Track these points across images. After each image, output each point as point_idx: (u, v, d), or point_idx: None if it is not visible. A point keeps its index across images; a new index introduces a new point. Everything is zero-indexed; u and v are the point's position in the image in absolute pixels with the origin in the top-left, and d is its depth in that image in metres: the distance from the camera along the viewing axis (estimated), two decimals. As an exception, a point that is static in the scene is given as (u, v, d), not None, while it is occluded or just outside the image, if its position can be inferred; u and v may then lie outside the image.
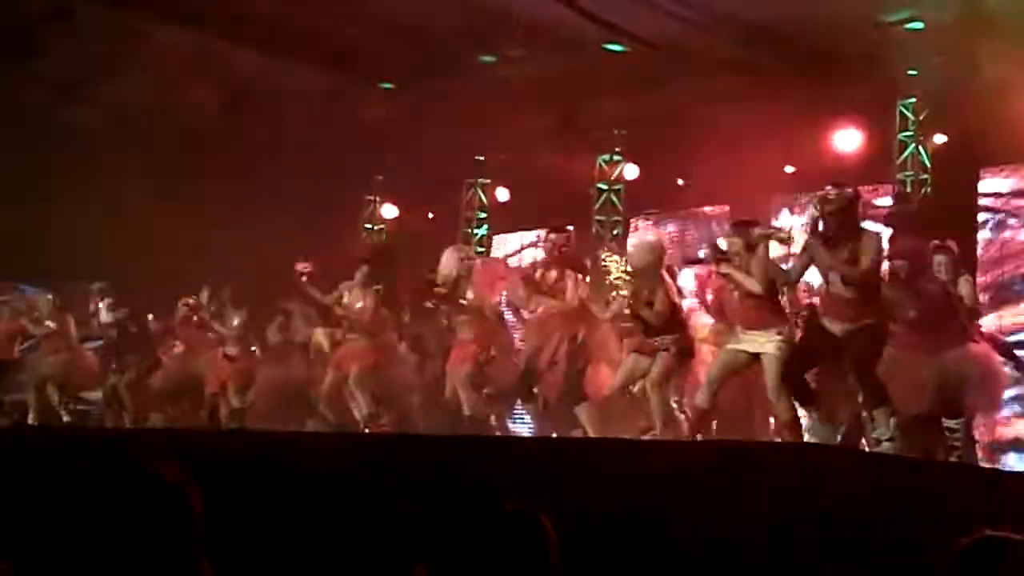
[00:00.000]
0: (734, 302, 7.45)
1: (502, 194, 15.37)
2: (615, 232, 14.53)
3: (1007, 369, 7.98)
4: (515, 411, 10.25)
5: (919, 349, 7.33)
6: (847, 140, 12.38)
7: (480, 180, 15.90)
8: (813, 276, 7.92)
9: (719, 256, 7.52)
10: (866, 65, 11.95)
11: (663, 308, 7.84)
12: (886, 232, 10.50)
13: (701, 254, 9.17)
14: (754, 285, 7.10)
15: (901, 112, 12.33)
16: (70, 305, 11.73)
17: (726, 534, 4.67)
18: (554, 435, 8.95)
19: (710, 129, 12.71)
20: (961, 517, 4.34)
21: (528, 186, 14.90)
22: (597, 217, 14.66)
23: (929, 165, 12.19)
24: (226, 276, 11.36)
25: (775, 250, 7.73)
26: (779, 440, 7.91)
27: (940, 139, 12.07)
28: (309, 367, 10.54)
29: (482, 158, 15.59)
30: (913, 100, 12.26)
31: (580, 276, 8.58)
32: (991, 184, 11.87)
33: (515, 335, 9.85)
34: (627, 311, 8.27)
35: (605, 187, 14.73)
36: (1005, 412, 10.27)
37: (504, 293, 9.57)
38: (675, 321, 8.01)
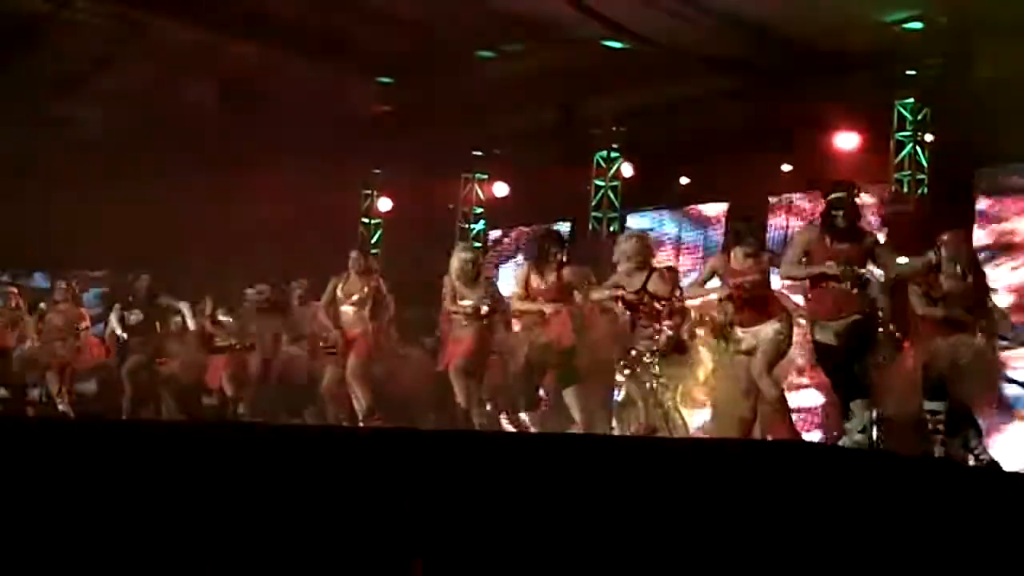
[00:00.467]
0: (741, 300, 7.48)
1: (499, 189, 15.38)
2: (612, 229, 14.54)
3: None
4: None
5: (916, 344, 7.33)
6: (845, 139, 12.41)
7: (477, 175, 15.92)
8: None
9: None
10: (864, 64, 11.97)
11: (661, 290, 7.89)
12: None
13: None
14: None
15: (899, 112, 12.34)
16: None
17: (718, 532, 4.68)
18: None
19: (708, 127, 12.74)
20: (939, 514, 4.37)
21: (526, 182, 14.93)
22: (594, 214, 14.67)
23: (927, 165, 12.21)
24: (224, 268, 11.35)
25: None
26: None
27: (937, 139, 12.09)
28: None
29: (480, 153, 15.60)
30: (911, 100, 12.28)
31: (579, 273, 8.55)
32: (988, 184, 11.90)
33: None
34: (619, 295, 8.16)
35: (602, 184, 14.74)
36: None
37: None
38: (669, 311, 8.01)
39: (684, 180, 13.84)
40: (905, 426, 7.69)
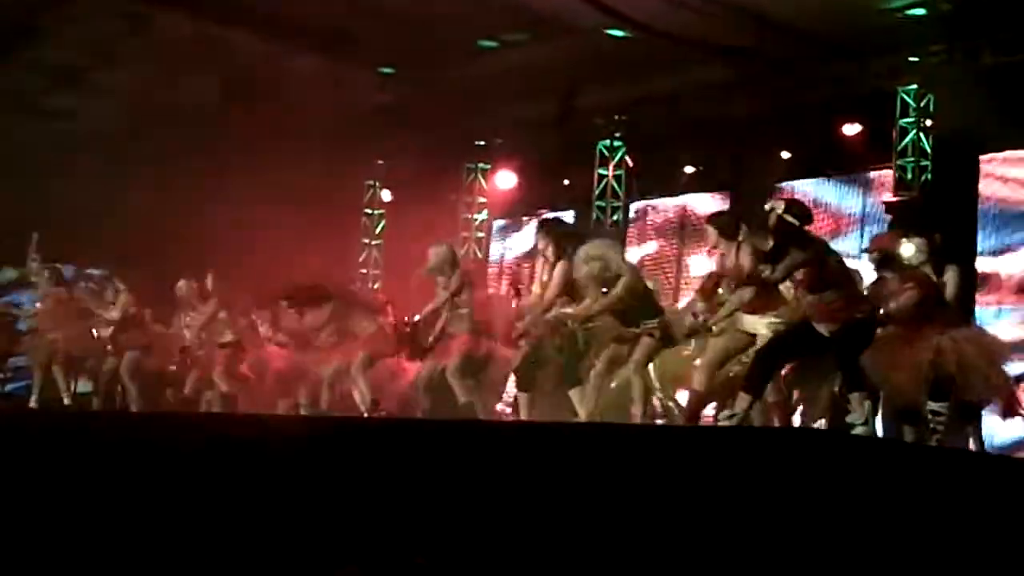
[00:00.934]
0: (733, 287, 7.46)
1: (501, 179, 15.38)
2: (615, 218, 14.53)
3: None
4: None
5: (913, 337, 7.31)
6: (848, 126, 12.38)
7: (480, 165, 15.91)
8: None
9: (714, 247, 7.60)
10: (867, 51, 11.94)
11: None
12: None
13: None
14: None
15: (902, 98, 12.31)
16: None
17: (715, 518, 4.68)
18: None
19: (710, 115, 12.72)
20: (942, 501, 4.37)
21: (528, 172, 14.92)
22: (597, 203, 14.65)
23: (930, 152, 12.17)
24: (224, 262, 11.31)
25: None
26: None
27: (940, 126, 12.06)
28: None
29: (482, 143, 15.59)
30: (914, 87, 12.24)
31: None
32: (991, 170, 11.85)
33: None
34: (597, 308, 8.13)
35: (605, 173, 14.72)
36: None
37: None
38: (655, 306, 8.02)
39: (689, 169, 13.80)
40: (898, 420, 7.64)
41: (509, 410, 10.20)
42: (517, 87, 13.08)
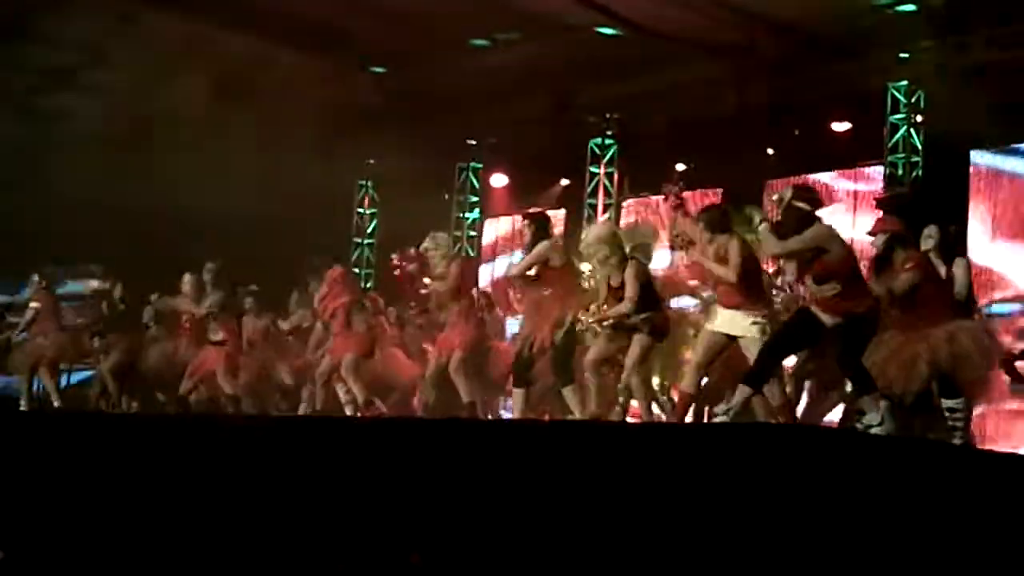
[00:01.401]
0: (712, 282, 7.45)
1: (494, 178, 15.38)
2: (608, 216, 14.54)
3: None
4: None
5: (910, 329, 7.28)
6: (839, 123, 12.41)
7: (472, 164, 15.91)
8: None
9: (684, 243, 7.53)
10: (858, 48, 11.97)
11: (633, 294, 7.82)
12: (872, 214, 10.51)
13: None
14: (726, 273, 7.13)
15: (892, 95, 12.34)
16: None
17: (715, 517, 4.68)
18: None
19: (702, 113, 12.73)
20: (954, 499, 4.38)
21: (520, 170, 14.93)
22: (589, 201, 14.66)
23: (921, 148, 12.21)
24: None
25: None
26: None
27: (931, 122, 12.09)
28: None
29: (474, 142, 15.59)
30: (904, 83, 12.27)
31: (571, 260, 8.50)
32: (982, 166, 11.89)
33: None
34: (596, 306, 8.11)
35: (597, 171, 14.73)
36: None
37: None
38: (649, 299, 7.92)
39: (677, 167, 13.80)
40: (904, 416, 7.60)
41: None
42: (509, 86, 13.08)
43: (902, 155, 12.23)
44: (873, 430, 6.56)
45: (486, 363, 9.50)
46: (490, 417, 9.72)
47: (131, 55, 12.44)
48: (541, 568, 4.61)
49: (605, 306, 7.96)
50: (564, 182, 14.82)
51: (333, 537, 4.93)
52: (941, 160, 11.95)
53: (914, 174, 12.16)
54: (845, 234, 7.61)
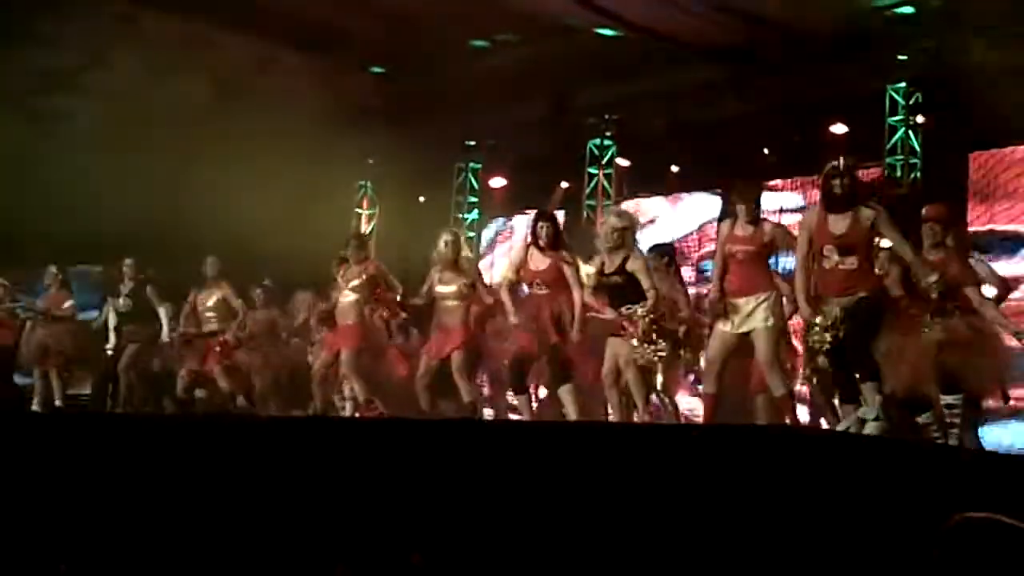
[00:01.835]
0: (733, 268, 7.41)
1: (493, 179, 15.39)
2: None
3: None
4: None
5: (918, 324, 7.26)
6: (837, 124, 12.43)
7: (471, 165, 15.92)
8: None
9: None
10: (856, 50, 11.98)
11: (650, 285, 7.79)
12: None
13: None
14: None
15: (891, 96, 12.36)
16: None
17: (717, 517, 4.69)
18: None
19: (701, 115, 12.75)
20: (949, 500, 4.38)
21: (519, 171, 14.93)
22: (588, 202, 14.68)
23: (919, 149, 12.22)
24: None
25: None
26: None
27: (929, 123, 12.10)
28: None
29: (473, 143, 15.60)
30: (903, 84, 12.29)
31: (572, 258, 8.47)
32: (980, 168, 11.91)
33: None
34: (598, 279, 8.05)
35: (596, 172, 14.74)
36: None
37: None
38: (642, 292, 7.84)
39: (674, 168, 13.83)
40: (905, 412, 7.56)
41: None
42: (508, 87, 13.09)
43: (900, 157, 12.25)
44: (868, 424, 6.54)
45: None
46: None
47: (131, 56, 12.45)
48: (542, 568, 4.63)
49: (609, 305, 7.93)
50: (564, 184, 14.83)
51: (334, 537, 4.95)
52: (940, 161, 11.96)
53: (912, 176, 12.17)
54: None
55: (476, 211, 16.02)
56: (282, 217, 13.01)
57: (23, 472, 5.81)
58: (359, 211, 16.56)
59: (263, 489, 5.45)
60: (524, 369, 8.43)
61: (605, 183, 14.69)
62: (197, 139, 13.03)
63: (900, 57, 12.09)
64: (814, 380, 7.89)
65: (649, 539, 4.74)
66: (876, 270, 7.09)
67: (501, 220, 15.74)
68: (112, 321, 10.99)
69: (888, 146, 12.30)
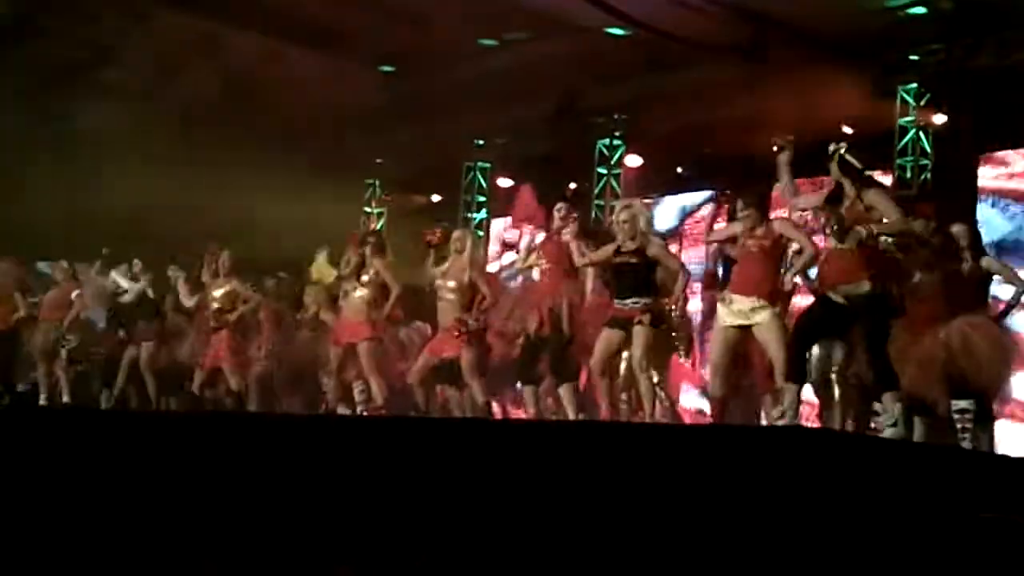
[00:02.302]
0: (740, 261, 7.38)
1: (502, 179, 15.37)
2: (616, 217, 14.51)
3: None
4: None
5: (927, 325, 7.21)
6: (847, 125, 12.37)
7: (479, 164, 15.91)
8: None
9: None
10: (867, 50, 11.95)
11: (662, 252, 7.80)
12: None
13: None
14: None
15: (902, 97, 12.31)
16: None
17: (723, 518, 4.67)
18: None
19: (711, 114, 12.72)
20: (964, 503, 4.36)
21: (528, 170, 14.91)
22: (597, 202, 14.66)
23: (930, 150, 12.18)
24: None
25: None
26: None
27: (939, 124, 12.06)
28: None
29: (481, 142, 15.59)
30: (914, 85, 12.25)
31: (584, 244, 8.45)
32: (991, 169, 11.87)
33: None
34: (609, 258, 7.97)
35: (605, 172, 14.72)
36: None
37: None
38: (650, 283, 7.84)
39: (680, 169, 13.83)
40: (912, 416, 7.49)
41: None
42: (517, 86, 13.07)
43: (911, 158, 12.21)
44: (887, 431, 6.47)
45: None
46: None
47: (141, 53, 12.47)
48: (546, 569, 4.61)
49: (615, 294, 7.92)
50: (572, 185, 14.81)
51: (338, 537, 4.93)
52: (950, 163, 11.92)
53: (923, 177, 12.13)
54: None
55: (484, 210, 16.01)
56: (290, 216, 13.02)
57: (34, 472, 5.81)
58: (368, 210, 16.56)
59: (262, 488, 5.43)
60: (536, 358, 8.43)
61: (614, 183, 14.66)
62: (204, 136, 13.05)
63: (911, 58, 12.06)
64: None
65: (655, 541, 4.73)
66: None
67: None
68: (123, 282, 11.05)
69: (899, 147, 12.26)
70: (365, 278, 9.32)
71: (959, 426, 7.04)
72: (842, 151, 6.76)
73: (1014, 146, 11.64)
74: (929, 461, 5.58)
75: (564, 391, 8.24)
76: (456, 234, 9.13)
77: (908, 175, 12.15)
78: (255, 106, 13.36)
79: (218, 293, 10.50)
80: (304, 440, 6.18)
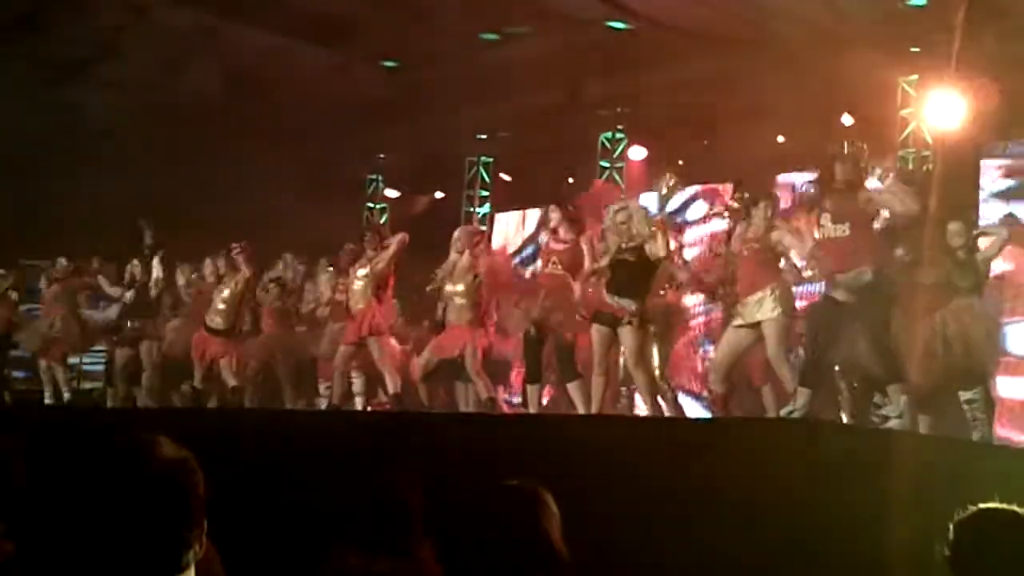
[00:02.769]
0: (742, 264, 7.44)
1: (505, 172, 15.37)
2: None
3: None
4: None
5: (924, 312, 7.22)
6: (849, 116, 12.37)
7: (482, 158, 15.89)
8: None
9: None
10: (868, 41, 11.92)
11: (663, 245, 7.80)
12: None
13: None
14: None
15: (903, 88, 12.29)
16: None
17: (724, 508, 4.68)
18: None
19: (713, 106, 12.71)
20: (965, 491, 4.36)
21: (531, 164, 14.91)
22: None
23: (931, 142, 12.16)
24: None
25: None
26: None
27: (941, 116, 12.02)
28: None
29: (484, 136, 15.57)
30: (915, 77, 12.22)
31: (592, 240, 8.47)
32: (993, 160, 11.84)
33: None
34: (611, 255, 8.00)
35: (607, 165, 14.71)
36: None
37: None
38: (644, 283, 7.88)
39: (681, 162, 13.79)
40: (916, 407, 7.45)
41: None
42: (520, 79, 13.06)
43: (912, 149, 12.18)
44: (891, 422, 6.50)
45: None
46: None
47: (144, 48, 12.46)
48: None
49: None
50: (570, 180, 14.81)
51: (337, 531, 4.93)
52: (952, 154, 11.88)
53: (924, 168, 12.10)
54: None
55: (487, 204, 15.98)
56: (294, 210, 13.04)
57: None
58: (370, 205, 16.54)
59: (264, 487, 5.45)
60: (539, 356, 8.46)
61: (616, 175, 14.65)
62: (207, 131, 13.06)
63: (913, 49, 12.02)
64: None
65: (659, 533, 4.73)
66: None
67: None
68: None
69: (900, 139, 12.23)
70: (363, 271, 9.33)
71: (969, 416, 7.04)
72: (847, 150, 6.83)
73: (1017, 138, 11.60)
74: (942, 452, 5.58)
75: (572, 389, 8.26)
76: (456, 234, 9.14)
77: (910, 167, 12.11)
78: (257, 101, 13.36)
79: (225, 292, 10.45)
80: (299, 438, 6.20)
